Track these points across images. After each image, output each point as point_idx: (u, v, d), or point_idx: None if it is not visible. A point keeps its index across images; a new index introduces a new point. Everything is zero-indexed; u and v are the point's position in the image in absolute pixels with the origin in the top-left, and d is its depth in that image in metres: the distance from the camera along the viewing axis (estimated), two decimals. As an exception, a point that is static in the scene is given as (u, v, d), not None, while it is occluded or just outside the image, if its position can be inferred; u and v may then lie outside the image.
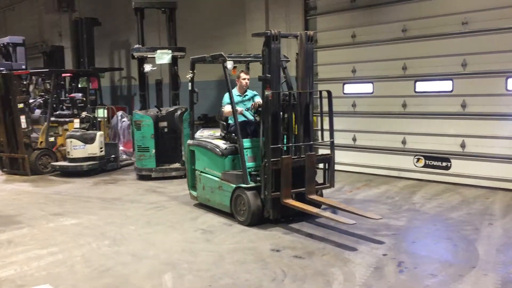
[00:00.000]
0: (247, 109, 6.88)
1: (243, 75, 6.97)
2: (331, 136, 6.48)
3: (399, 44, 8.95)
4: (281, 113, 6.19)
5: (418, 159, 8.83)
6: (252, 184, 6.19)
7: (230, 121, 6.83)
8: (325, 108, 6.43)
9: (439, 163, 8.54)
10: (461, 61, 8.12)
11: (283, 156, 5.99)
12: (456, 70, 8.21)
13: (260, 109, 6.38)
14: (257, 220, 6.14)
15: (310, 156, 6.19)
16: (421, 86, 8.76)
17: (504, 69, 7.67)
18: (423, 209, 6.85)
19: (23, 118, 10.28)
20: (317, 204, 6.25)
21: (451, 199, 7.37)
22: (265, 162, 5.96)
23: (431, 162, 8.65)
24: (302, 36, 6.31)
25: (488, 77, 7.86)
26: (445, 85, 8.41)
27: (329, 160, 6.47)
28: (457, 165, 8.33)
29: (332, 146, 6.47)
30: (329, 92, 6.38)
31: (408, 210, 6.81)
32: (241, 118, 6.66)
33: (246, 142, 6.43)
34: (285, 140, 6.32)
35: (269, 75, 6.10)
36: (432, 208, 6.89)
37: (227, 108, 6.74)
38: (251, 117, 6.85)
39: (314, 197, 6.24)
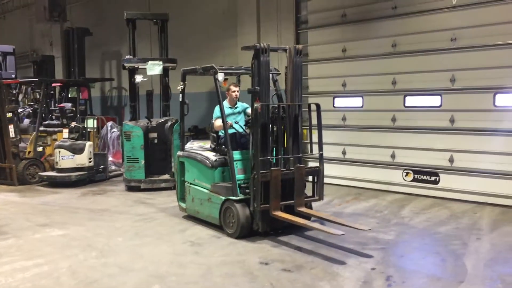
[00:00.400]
0: (237, 122, 6.89)
1: (232, 87, 6.99)
2: (320, 149, 6.50)
3: (389, 59, 9.03)
4: (270, 125, 6.21)
5: (407, 173, 8.88)
6: (241, 197, 6.17)
7: (220, 133, 6.83)
8: (315, 121, 6.46)
9: (427, 178, 8.59)
10: (450, 77, 8.21)
11: (272, 168, 5.99)
12: (444, 85, 8.30)
13: (250, 121, 6.39)
14: (246, 232, 6.12)
15: (299, 168, 6.20)
16: (411, 101, 8.83)
17: (492, 85, 7.77)
18: (412, 223, 6.87)
19: (11, 128, 10.20)
20: (306, 217, 6.24)
21: (439, 213, 7.40)
22: (254, 174, 5.96)
23: (420, 176, 8.70)
24: (291, 49, 6.36)
25: (476, 92, 7.95)
26: (434, 100, 8.49)
27: (318, 173, 6.48)
28: (445, 180, 8.38)
29: (321, 159, 6.49)
30: (317, 105, 6.42)
31: (397, 224, 6.83)
32: (231, 130, 6.67)
33: (236, 154, 6.43)
34: (274, 152, 6.33)
35: (258, 88, 6.13)
36: (420, 222, 6.91)
37: (217, 122, 6.74)
38: (241, 130, 6.86)
39: (303, 209, 6.24)
